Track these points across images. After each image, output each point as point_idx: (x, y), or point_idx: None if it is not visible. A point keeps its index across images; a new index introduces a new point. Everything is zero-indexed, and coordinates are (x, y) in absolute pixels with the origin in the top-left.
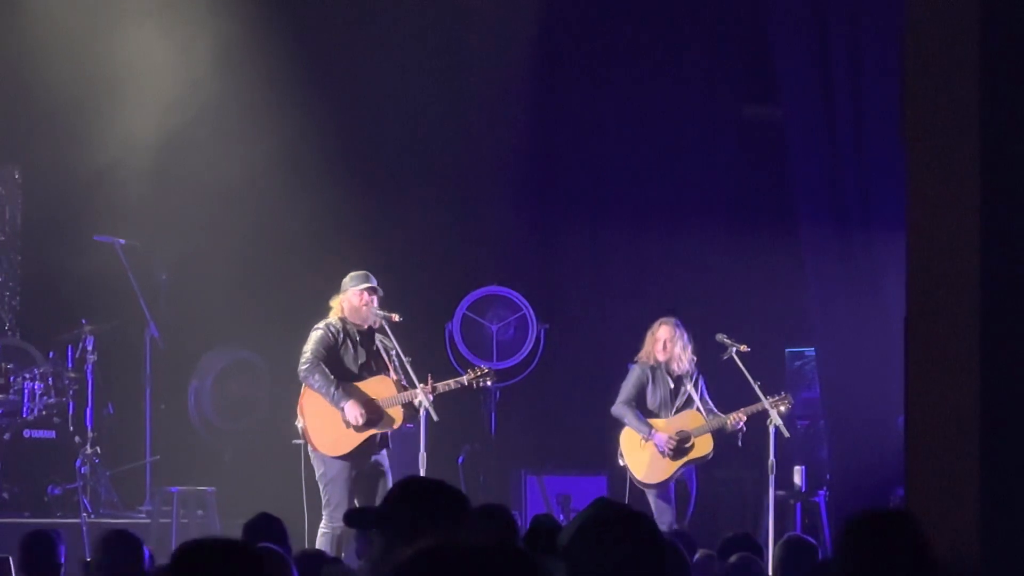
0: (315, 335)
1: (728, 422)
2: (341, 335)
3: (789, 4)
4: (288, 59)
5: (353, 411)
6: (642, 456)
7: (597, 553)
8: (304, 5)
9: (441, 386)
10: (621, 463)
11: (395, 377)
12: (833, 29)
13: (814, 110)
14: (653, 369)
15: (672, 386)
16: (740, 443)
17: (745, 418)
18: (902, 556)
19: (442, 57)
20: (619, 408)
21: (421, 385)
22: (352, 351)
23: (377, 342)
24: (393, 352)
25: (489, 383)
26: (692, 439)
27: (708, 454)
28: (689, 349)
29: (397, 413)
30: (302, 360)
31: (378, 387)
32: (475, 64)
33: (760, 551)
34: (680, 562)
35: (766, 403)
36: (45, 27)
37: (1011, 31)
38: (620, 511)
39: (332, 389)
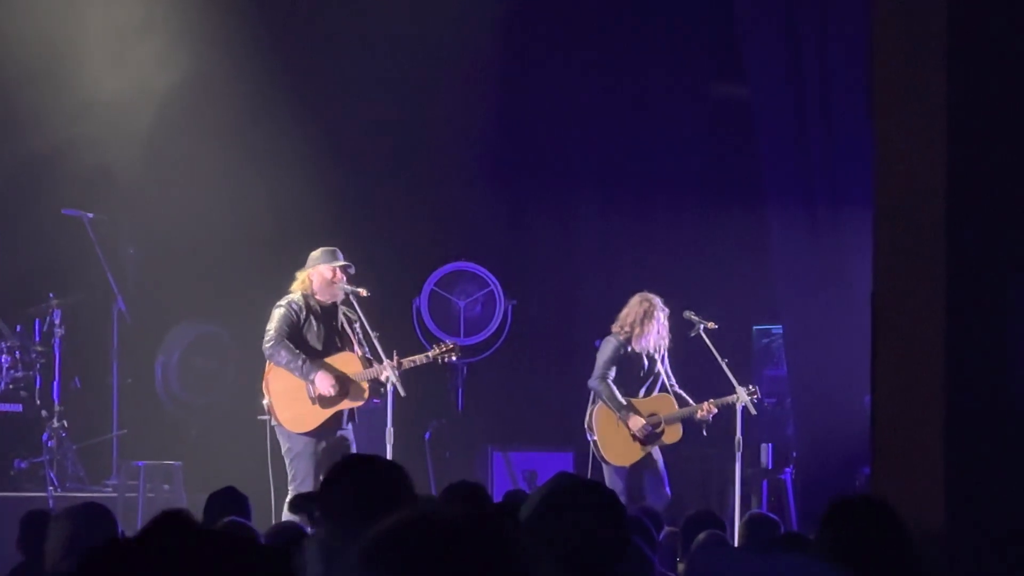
0: (277, 312)
1: (698, 414)
2: (304, 311)
3: None
4: (257, 37)
5: (325, 381)
6: (614, 436)
7: (560, 525)
8: None
9: (407, 362)
10: (590, 438)
11: (360, 352)
12: (801, 8)
13: (782, 89)
14: (628, 343)
15: (646, 364)
16: (705, 432)
17: (716, 411)
18: (883, 541)
19: (410, 34)
20: (597, 383)
21: (387, 360)
22: (315, 327)
23: (341, 316)
24: (357, 325)
25: (454, 358)
26: (663, 426)
27: (677, 441)
28: (667, 327)
29: (363, 388)
30: (266, 338)
31: (344, 363)
32: (443, 41)
33: (723, 527)
34: (646, 538)
35: (739, 393)
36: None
37: (977, 12)
38: (581, 483)
39: (300, 363)
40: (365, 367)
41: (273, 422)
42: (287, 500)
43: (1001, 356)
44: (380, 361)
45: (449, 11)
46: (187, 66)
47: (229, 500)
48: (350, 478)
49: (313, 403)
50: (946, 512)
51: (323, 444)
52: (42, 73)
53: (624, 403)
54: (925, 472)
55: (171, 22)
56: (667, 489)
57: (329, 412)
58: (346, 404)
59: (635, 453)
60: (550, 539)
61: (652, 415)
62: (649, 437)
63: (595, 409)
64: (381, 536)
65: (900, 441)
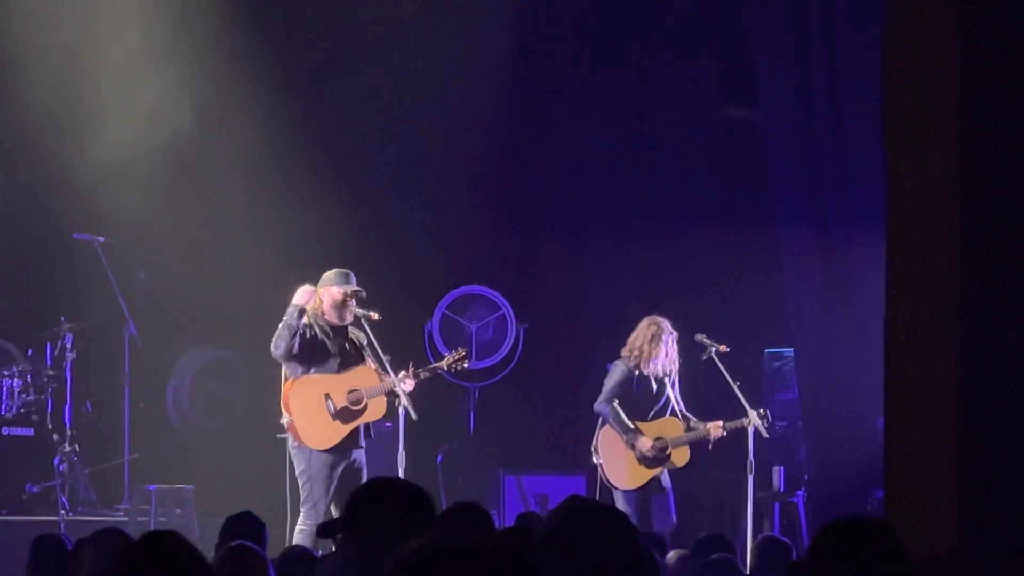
0: (282, 323)
1: (708, 436)
2: (311, 329)
3: (768, 7)
4: (269, 62)
5: (333, 292)
6: (619, 459)
7: (573, 547)
8: (285, 9)
9: (422, 372)
10: (595, 461)
11: (373, 365)
12: (812, 32)
13: (793, 112)
14: (638, 367)
15: (655, 388)
16: (710, 447)
17: (724, 433)
18: (878, 563)
19: (421, 58)
20: (603, 406)
21: (402, 372)
22: (327, 346)
23: (350, 333)
24: (366, 342)
25: (467, 365)
26: (670, 449)
27: (684, 465)
28: (676, 350)
29: (381, 402)
30: (272, 343)
31: (361, 378)
32: (454, 65)
33: (733, 550)
34: (651, 563)
35: (751, 416)
36: (25, 27)
37: (990, 34)
38: (593, 507)
39: (294, 321)
40: (382, 380)
41: (293, 443)
42: (297, 527)
43: (1017, 379)
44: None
45: (462, 39)
46: (199, 95)
47: (245, 525)
48: (376, 501)
49: (334, 419)
50: (959, 535)
51: (339, 467)
52: (56, 100)
53: (631, 426)
54: (938, 495)
55: (185, 51)
56: (673, 516)
57: (349, 427)
58: (365, 419)
59: (642, 476)
60: (563, 562)
61: (659, 438)
62: (656, 460)
63: (601, 432)
64: (404, 561)
65: (913, 464)
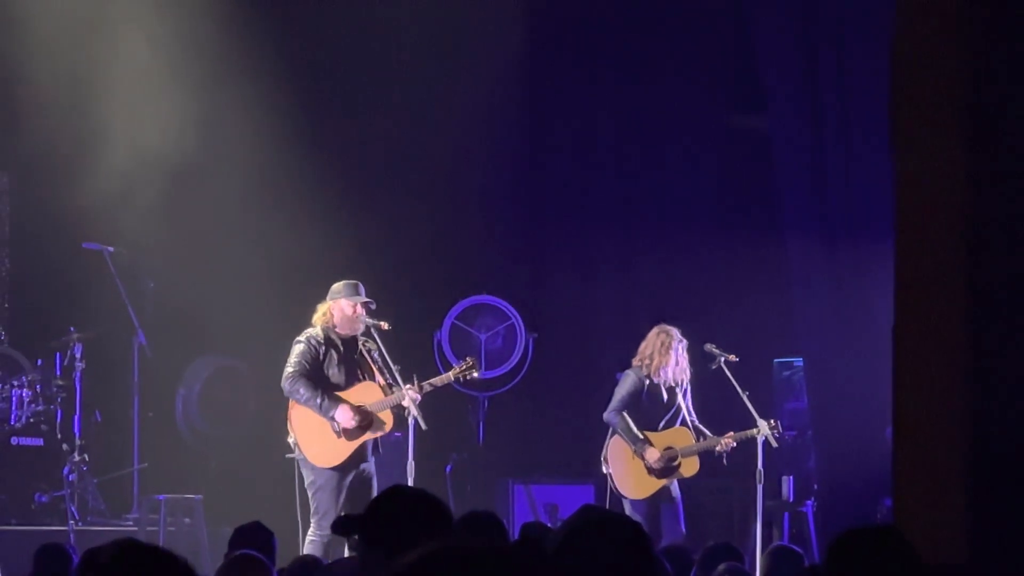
0: (297, 348)
1: (717, 447)
2: (323, 347)
3: (776, 14)
4: (278, 72)
5: (345, 415)
6: (628, 468)
7: (585, 558)
8: (293, 20)
9: (427, 384)
10: (605, 470)
11: (381, 381)
12: (820, 39)
13: (801, 120)
14: (648, 377)
15: (665, 397)
16: (726, 462)
17: (735, 444)
18: (894, 571)
19: (431, 68)
20: (612, 416)
21: (408, 386)
22: (336, 361)
23: (360, 346)
24: (376, 353)
25: (476, 375)
26: (679, 459)
27: (693, 475)
28: (686, 359)
29: (387, 417)
30: (285, 375)
31: (365, 394)
32: (464, 74)
33: (741, 559)
34: (663, 574)
35: (760, 426)
36: (38, 34)
37: (997, 44)
38: (608, 516)
39: (318, 401)
40: (386, 395)
41: (299, 456)
42: (308, 537)
43: None
44: (400, 388)
45: (471, 47)
46: (207, 107)
47: (255, 534)
48: (397, 507)
49: (338, 436)
50: (968, 545)
51: (347, 478)
52: (66, 109)
53: (639, 436)
54: (947, 504)
55: (192, 64)
56: (682, 525)
57: (355, 445)
58: (371, 435)
59: (651, 486)
60: (575, 572)
61: (668, 448)
62: (665, 470)
63: (610, 442)
64: (407, 567)
65: (922, 473)
